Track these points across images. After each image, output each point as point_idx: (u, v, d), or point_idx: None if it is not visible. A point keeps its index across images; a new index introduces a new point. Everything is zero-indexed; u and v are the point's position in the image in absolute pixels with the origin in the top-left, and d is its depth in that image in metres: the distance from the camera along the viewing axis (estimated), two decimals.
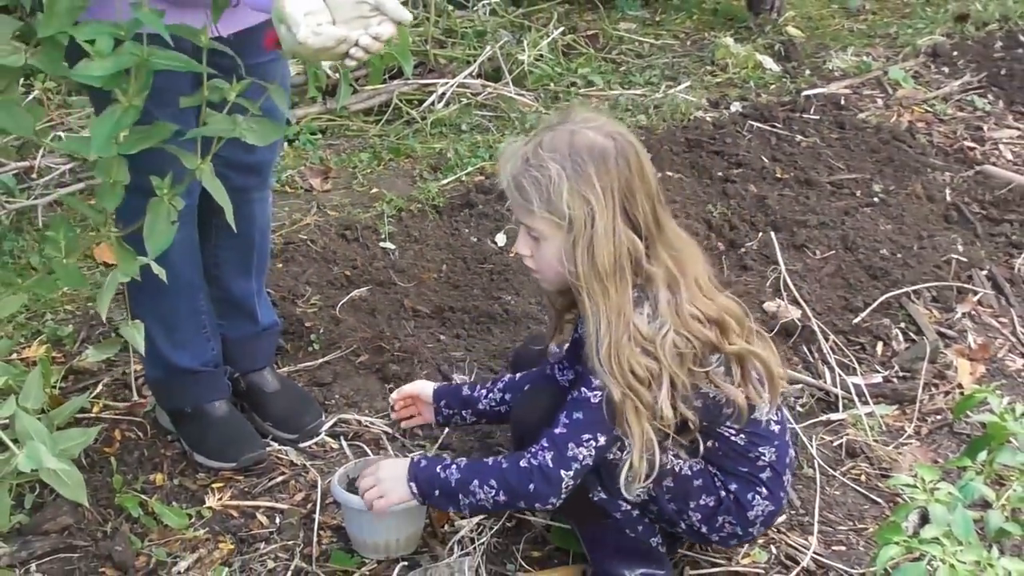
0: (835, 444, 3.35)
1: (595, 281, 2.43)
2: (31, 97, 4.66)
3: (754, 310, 3.89)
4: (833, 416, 3.46)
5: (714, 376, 2.47)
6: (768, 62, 6.22)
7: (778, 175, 4.80)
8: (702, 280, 2.51)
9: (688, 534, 2.65)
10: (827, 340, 3.74)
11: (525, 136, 2.55)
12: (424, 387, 3.08)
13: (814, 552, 2.92)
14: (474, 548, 2.86)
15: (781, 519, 2.95)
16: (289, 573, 2.85)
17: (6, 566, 2.85)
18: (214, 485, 3.14)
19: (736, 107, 5.53)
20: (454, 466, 2.58)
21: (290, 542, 2.95)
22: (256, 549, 2.93)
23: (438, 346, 3.71)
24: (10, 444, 2.52)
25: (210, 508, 3.05)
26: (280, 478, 3.18)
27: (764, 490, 2.54)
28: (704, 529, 2.60)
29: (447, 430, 3.25)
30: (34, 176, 4.66)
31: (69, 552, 2.92)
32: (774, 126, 5.24)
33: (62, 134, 4.83)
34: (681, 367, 2.43)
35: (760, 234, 4.34)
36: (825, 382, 3.59)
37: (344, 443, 3.29)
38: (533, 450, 2.52)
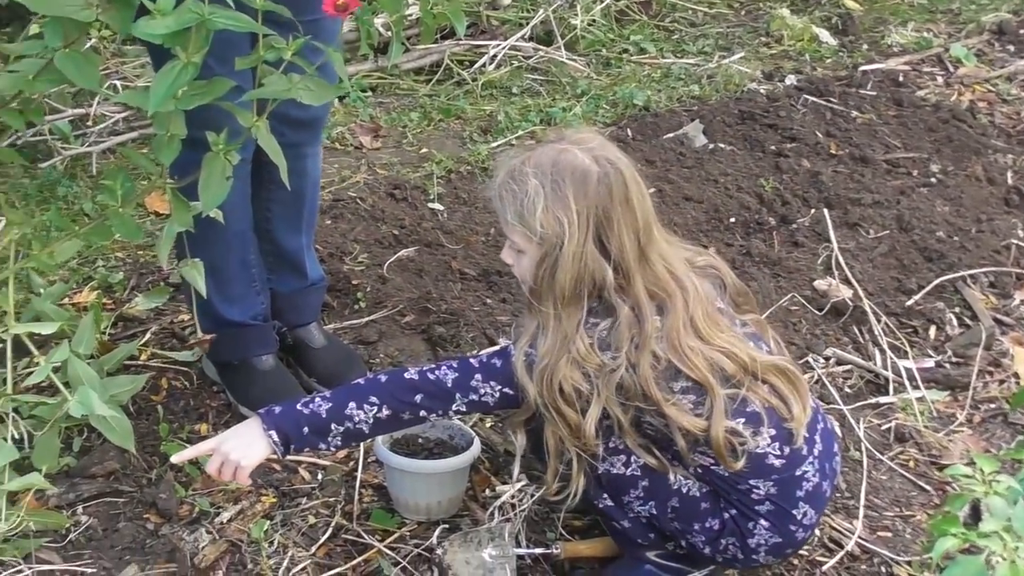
0: (883, 428, 3.32)
1: (549, 301, 2.42)
2: (87, 45, 4.66)
3: (804, 287, 3.86)
4: (882, 399, 3.42)
5: (670, 410, 2.43)
6: (825, 35, 6.15)
7: (832, 151, 4.75)
8: (699, 321, 2.45)
9: (690, 551, 2.63)
10: (879, 321, 3.70)
11: (522, 148, 2.54)
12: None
13: (859, 537, 2.90)
14: (515, 514, 2.85)
15: None
16: (330, 529, 2.85)
17: (54, 507, 2.87)
18: None
19: (791, 80, 5.48)
20: (319, 398, 2.54)
21: (331, 499, 2.96)
22: (298, 504, 2.94)
23: (484, 309, 3.70)
24: (62, 388, 2.54)
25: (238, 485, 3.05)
26: None
27: (764, 522, 2.50)
28: (707, 550, 2.57)
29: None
30: (89, 123, 4.68)
31: (115, 496, 2.94)
32: (829, 101, 5.18)
33: (117, 83, 4.84)
34: (624, 403, 2.42)
35: (812, 210, 4.29)
36: (875, 364, 3.55)
37: None
38: (432, 366, 2.53)
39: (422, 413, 2.54)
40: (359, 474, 3.01)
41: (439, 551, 2.72)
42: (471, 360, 2.53)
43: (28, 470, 2.60)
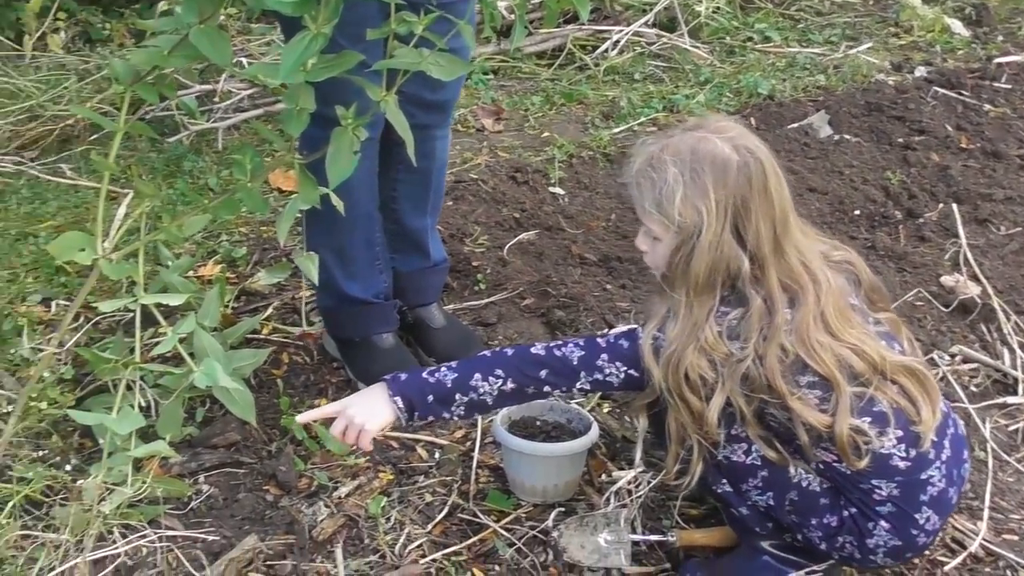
0: (1011, 429, 3.24)
1: (682, 288, 2.40)
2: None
3: (930, 283, 3.79)
4: (1010, 399, 3.34)
5: (795, 404, 2.39)
6: (957, 26, 6.03)
7: (963, 145, 4.66)
8: (830, 316, 2.41)
9: (806, 545, 2.59)
10: (1008, 320, 3.61)
11: (659, 135, 2.50)
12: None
13: (983, 538, 2.83)
14: (631, 500, 2.83)
15: None
16: (446, 508, 2.86)
17: (177, 475, 2.92)
18: None
19: (920, 71, 5.38)
20: (445, 367, 2.55)
21: (448, 478, 2.97)
22: (415, 482, 2.96)
23: (604, 295, 3.69)
24: (188, 359, 2.58)
25: (363, 452, 3.08)
26: None
27: (885, 523, 2.46)
28: (824, 547, 2.53)
29: None
30: (215, 99, 4.75)
31: (235, 467, 2.98)
32: (961, 93, 5.08)
33: (243, 59, 4.90)
34: (748, 395, 2.39)
35: (940, 205, 4.22)
36: (1003, 363, 3.46)
37: None
38: (559, 342, 2.53)
39: (546, 389, 2.54)
40: (476, 454, 3.02)
41: (554, 534, 2.73)
42: (598, 340, 2.52)
43: (153, 438, 2.65)
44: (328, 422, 2.65)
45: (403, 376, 2.57)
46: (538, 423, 2.97)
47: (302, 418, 2.66)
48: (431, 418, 2.66)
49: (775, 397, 2.38)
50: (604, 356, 2.49)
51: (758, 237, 2.37)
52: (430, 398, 2.53)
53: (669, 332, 2.41)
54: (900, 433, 2.40)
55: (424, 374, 2.55)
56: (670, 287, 2.44)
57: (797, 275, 2.40)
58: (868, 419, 2.38)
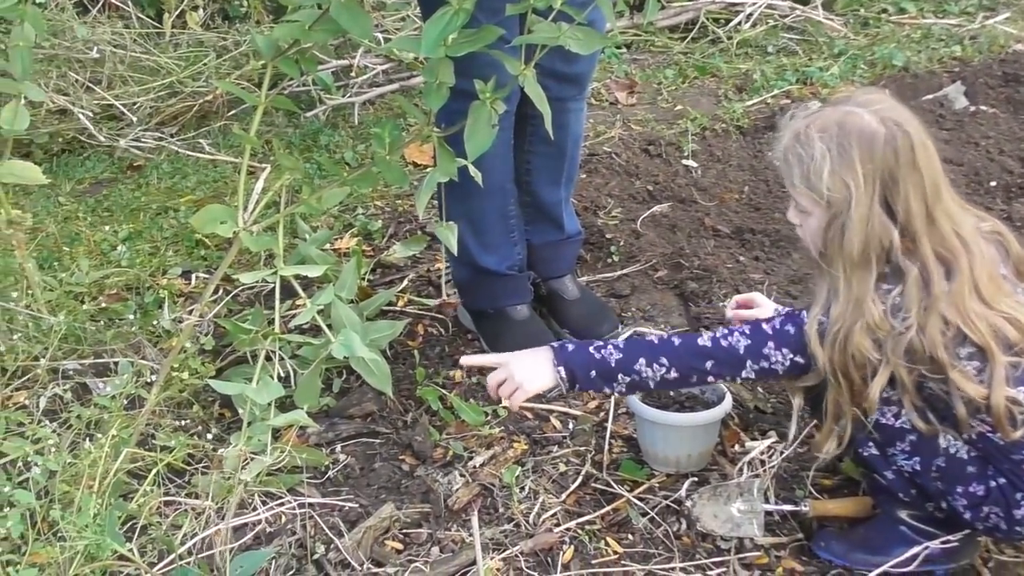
0: None
1: (839, 264, 2.39)
2: None
3: None
4: None
5: (955, 375, 2.36)
6: None
7: None
8: (983, 285, 2.38)
9: (950, 514, 2.56)
10: None
11: (811, 108, 2.49)
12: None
13: None
14: (764, 471, 2.84)
15: None
16: (580, 478, 2.89)
17: (315, 444, 2.99)
18: None
19: None
20: (611, 346, 2.56)
21: (582, 448, 3.00)
22: (549, 452, 2.99)
23: (737, 267, 3.68)
24: (326, 330, 2.63)
25: (506, 408, 3.11)
26: None
27: None
28: (968, 516, 2.50)
29: None
30: (351, 75, 4.82)
31: (372, 437, 3.05)
32: None
33: (379, 35, 4.97)
34: (910, 366, 2.36)
35: None
36: None
37: None
38: (724, 331, 2.51)
39: (710, 379, 2.55)
40: (609, 424, 3.04)
41: (688, 503, 2.74)
42: (764, 326, 2.50)
43: (290, 408, 2.70)
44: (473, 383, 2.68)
45: (570, 347, 2.60)
46: (671, 393, 2.99)
47: (466, 360, 2.75)
48: (591, 390, 2.73)
49: (936, 369, 2.36)
50: (771, 344, 2.48)
51: (908, 210, 2.35)
52: (593, 373, 2.56)
53: (833, 311, 2.40)
54: None
55: (591, 348, 2.57)
56: (828, 264, 2.43)
57: (951, 244, 2.38)
58: (1023, 388, 2.37)
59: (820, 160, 2.36)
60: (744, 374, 2.51)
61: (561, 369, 2.57)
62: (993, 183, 4.17)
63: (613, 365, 2.54)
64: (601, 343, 2.59)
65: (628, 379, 2.55)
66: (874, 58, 5.20)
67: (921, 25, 5.67)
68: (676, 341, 2.56)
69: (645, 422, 2.87)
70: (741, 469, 2.87)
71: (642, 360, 2.53)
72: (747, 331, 2.51)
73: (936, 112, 4.64)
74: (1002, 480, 2.43)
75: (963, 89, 4.83)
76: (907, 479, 2.54)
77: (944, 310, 2.33)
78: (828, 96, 4.77)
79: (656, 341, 2.58)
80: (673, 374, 2.53)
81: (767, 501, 2.74)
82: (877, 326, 2.35)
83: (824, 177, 2.36)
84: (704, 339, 2.53)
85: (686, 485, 2.82)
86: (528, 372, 2.61)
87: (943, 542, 2.59)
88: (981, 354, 2.35)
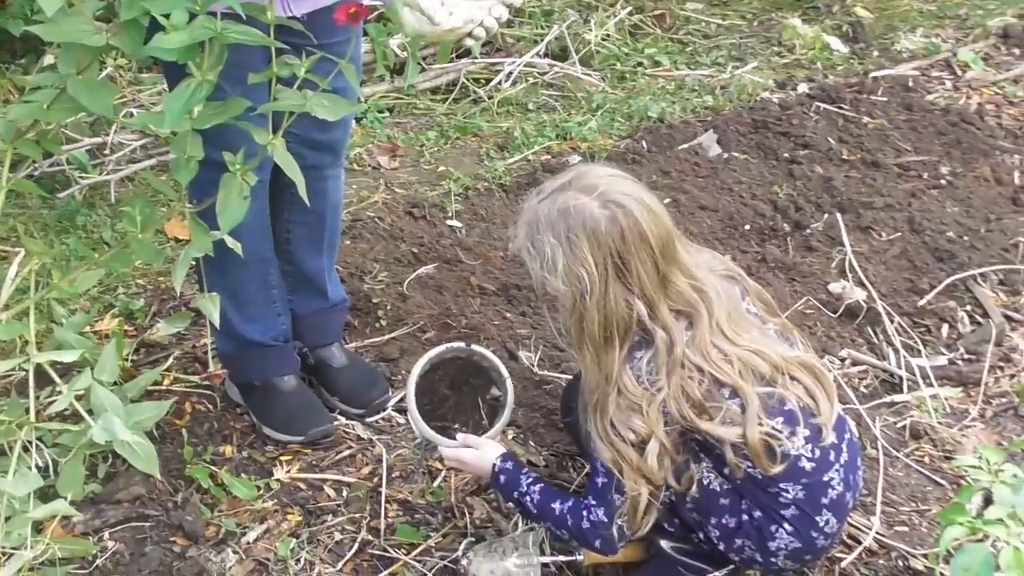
0: (899, 425, 3.35)
1: (584, 348, 2.51)
2: (103, 74, 4.72)
3: (819, 291, 3.90)
4: (897, 397, 3.46)
5: (706, 426, 2.47)
6: (836, 43, 6.17)
7: (844, 156, 4.78)
8: (725, 323, 2.50)
9: (708, 545, 2.65)
10: (892, 322, 3.73)
11: (534, 194, 2.58)
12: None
13: (876, 532, 2.92)
14: (539, 524, 2.88)
15: None
16: (356, 545, 2.89)
17: (80, 533, 2.90)
18: (282, 458, 3.19)
19: (803, 88, 5.51)
20: (529, 497, 2.67)
21: (357, 515, 2.99)
22: (323, 521, 2.98)
23: (504, 323, 3.73)
24: (86, 416, 2.56)
25: (278, 480, 3.10)
26: (347, 452, 3.22)
27: (788, 526, 2.53)
28: (722, 546, 2.60)
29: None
30: (106, 152, 4.73)
31: (141, 521, 2.98)
32: (841, 107, 5.21)
33: (134, 110, 4.90)
34: (669, 433, 2.46)
35: (826, 215, 4.33)
36: (889, 363, 3.58)
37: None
38: (587, 504, 2.59)
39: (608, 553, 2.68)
40: (384, 489, 3.05)
41: (464, 562, 2.76)
42: (598, 482, 2.57)
43: (53, 498, 2.62)
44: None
45: (502, 478, 2.72)
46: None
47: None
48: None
49: (688, 423, 2.45)
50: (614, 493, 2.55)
51: (641, 281, 2.45)
52: (512, 504, 2.78)
53: (584, 385, 2.54)
54: (807, 432, 2.48)
55: (515, 493, 2.70)
56: (576, 346, 2.54)
57: (688, 297, 2.48)
58: (780, 419, 2.46)
59: (552, 256, 2.46)
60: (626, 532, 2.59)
61: (495, 487, 2.77)
62: (747, 227, 4.32)
63: (533, 512, 2.69)
64: (525, 483, 2.69)
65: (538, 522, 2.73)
66: (631, 110, 5.34)
67: (675, 77, 5.85)
68: (570, 521, 2.61)
69: (425, 440, 2.96)
70: (516, 523, 2.91)
71: (549, 522, 2.67)
72: (593, 502, 2.58)
73: (692, 160, 4.79)
74: (757, 513, 2.52)
75: (716, 137, 5.00)
76: (668, 509, 2.61)
77: (691, 361, 2.43)
78: (587, 150, 4.89)
79: (557, 510, 2.63)
80: (575, 542, 2.69)
81: (543, 553, 2.78)
82: (631, 393, 2.44)
83: (559, 271, 2.45)
84: (591, 519, 2.58)
85: (463, 545, 2.84)
86: (474, 469, 2.81)
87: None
88: (734, 393, 2.45)
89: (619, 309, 2.44)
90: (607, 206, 2.44)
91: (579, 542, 2.66)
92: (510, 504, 2.81)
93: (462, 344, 3.04)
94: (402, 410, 3.34)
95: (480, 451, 2.79)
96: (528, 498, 2.67)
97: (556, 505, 2.64)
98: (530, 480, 2.70)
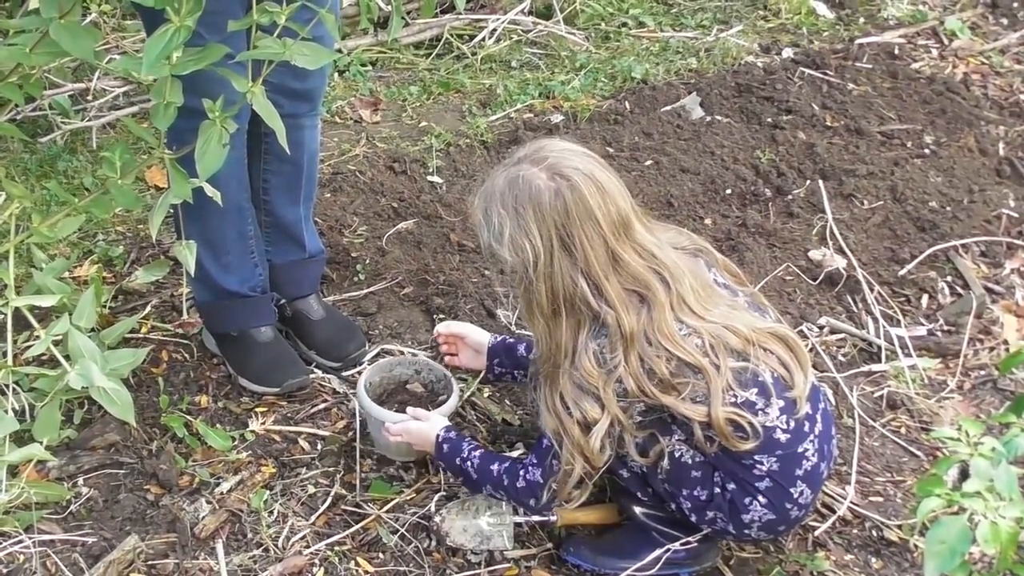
0: (876, 395, 3.36)
1: (535, 319, 2.53)
2: (87, 20, 4.67)
3: (799, 258, 3.90)
4: (875, 367, 3.47)
5: (671, 402, 2.47)
6: (821, 8, 6.14)
7: (828, 123, 4.76)
8: (691, 299, 2.50)
9: (680, 516, 2.66)
10: (872, 290, 3.74)
11: (489, 168, 2.60)
12: (473, 333, 3.10)
13: (851, 502, 2.94)
14: None
15: None
16: (329, 499, 2.89)
17: (55, 479, 2.89)
18: (257, 409, 3.19)
19: (787, 53, 5.48)
20: (469, 462, 2.72)
21: (331, 468, 2.99)
22: (297, 474, 2.97)
23: (482, 281, 3.72)
24: (63, 361, 2.55)
25: (253, 432, 3.09)
26: (322, 405, 3.22)
27: (762, 498, 2.54)
28: (693, 518, 2.62)
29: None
30: (89, 98, 4.69)
31: (115, 468, 2.97)
32: (825, 73, 5.19)
33: (116, 57, 4.85)
34: (627, 410, 2.48)
35: (808, 182, 4.32)
36: (868, 333, 3.58)
37: None
38: (526, 464, 2.65)
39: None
40: (358, 444, 3.04)
41: (437, 519, 2.77)
42: (543, 444, 2.61)
43: (29, 442, 2.61)
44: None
45: (445, 447, 2.78)
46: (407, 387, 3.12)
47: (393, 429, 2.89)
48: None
49: (652, 399, 2.45)
50: (548, 459, 2.60)
51: (587, 257, 2.45)
52: (454, 473, 2.81)
53: (540, 365, 2.56)
54: (781, 404, 2.48)
55: (457, 460, 2.76)
56: (527, 317, 2.57)
57: (642, 278, 2.47)
58: (755, 390, 2.46)
59: (499, 227, 2.48)
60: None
61: (438, 458, 2.80)
62: (728, 191, 4.31)
63: (474, 478, 2.73)
64: (467, 449, 2.75)
65: (479, 489, 2.75)
66: (614, 71, 5.31)
67: (659, 39, 5.81)
68: (506, 481, 2.68)
69: (370, 416, 2.95)
70: None
71: (488, 485, 2.72)
72: (534, 460, 2.65)
73: (674, 123, 4.77)
74: (731, 486, 2.53)
75: (699, 100, 4.98)
76: (641, 479, 2.62)
77: (652, 340, 2.43)
78: (569, 109, 4.87)
79: (495, 472, 2.69)
80: (512, 503, 2.76)
81: (515, 512, 2.78)
82: (588, 374, 2.44)
83: (505, 242, 2.47)
84: (527, 478, 2.64)
85: (435, 500, 2.85)
86: (418, 441, 2.85)
87: (684, 543, 2.68)
88: (699, 372, 2.45)
89: (565, 283, 2.46)
90: (554, 179, 2.45)
91: (515, 502, 2.72)
92: (454, 476, 2.84)
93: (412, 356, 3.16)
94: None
95: (427, 423, 2.83)
96: (469, 463, 2.71)
97: (494, 467, 2.69)
98: (471, 447, 2.74)
